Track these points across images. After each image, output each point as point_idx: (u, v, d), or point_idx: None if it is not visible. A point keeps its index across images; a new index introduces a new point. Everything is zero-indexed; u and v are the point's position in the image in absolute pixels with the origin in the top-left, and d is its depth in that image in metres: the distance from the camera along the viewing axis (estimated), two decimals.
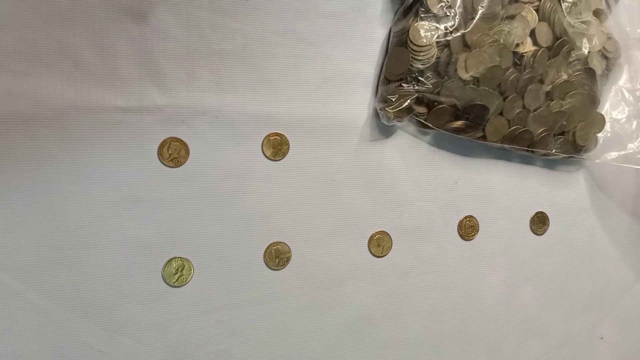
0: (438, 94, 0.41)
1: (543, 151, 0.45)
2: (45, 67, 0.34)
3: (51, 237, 0.34)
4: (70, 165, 0.35)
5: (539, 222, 0.48)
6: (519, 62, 0.43)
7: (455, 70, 0.41)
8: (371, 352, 0.43)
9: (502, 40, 0.42)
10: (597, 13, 0.46)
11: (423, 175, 0.44)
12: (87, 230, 0.35)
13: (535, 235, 0.48)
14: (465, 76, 0.41)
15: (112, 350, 0.36)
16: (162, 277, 0.37)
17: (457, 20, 0.40)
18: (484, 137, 0.43)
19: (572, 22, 0.44)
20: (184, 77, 0.37)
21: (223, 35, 0.38)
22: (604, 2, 0.46)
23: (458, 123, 0.42)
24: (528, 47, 0.43)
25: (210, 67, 0.38)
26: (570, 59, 0.45)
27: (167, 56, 0.36)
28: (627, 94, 0.49)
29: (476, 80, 0.41)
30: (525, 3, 0.42)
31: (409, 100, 0.40)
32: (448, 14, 0.40)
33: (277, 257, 0.40)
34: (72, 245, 0.35)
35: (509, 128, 0.43)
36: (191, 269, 0.38)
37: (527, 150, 0.45)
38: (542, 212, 0.48)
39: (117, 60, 0.35)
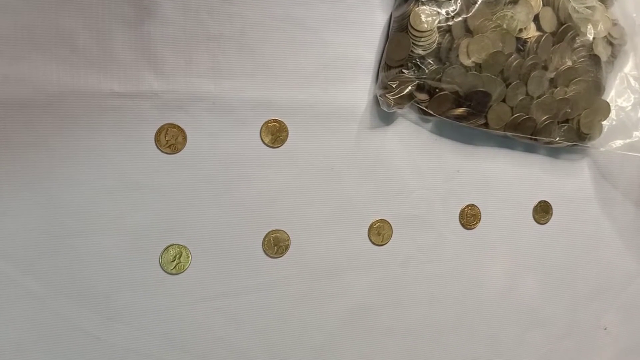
0: (439, 80, 0.40)
1: (546, 139, 0.45)
2: (41, 52, 0.34)
3: (47, 223, 0.34)
4: (66, 151, 0.34)
5: (542, 212, 0.47)
6: (522, 48, 0.42)
7: (457, 56, 0.40)
8: (370, 342, 0.43)
9: (505, 26, 0.41)
10: None
11: (424, 163, 0.43)
12: (83, 217, 0.35)
13: (538, 225, 0.48)
14: (467, 62, 0.40)
15: (108, 337, 0.36)
16: (160, 264, 0.37)
17: (459, 4, 0.39)
18: (486, 125, 0.43)
19: (576, 8, 0.43)
20: (181, 62, 0.37)
21: (221, 20, 0.37)
22: None
23: (460, 110, 0.41)
24: (532, 33, 0.42)
25: (208, 53, 0.37)
26: (575, 45, 0.44)
27: (164, 41, 0.36)
28: (633, 82, 0.48)
29: (478, 67, 0.41)
30: None
31: (409, 87, 0.40)
32: None
33: (275, 244, 0.39)
34: (69, 232, 0.35)
35: (512, 115, 0.43)
36: (189, 256, 0.37)
37: (530, 139, 0.44)
38: (545, 201, 0.47)
39: (113, 45, 0.35)
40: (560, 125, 0.45)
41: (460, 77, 0.40)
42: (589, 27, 0.44)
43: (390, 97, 0.39)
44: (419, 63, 0.40)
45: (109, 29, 0.35)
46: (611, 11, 0.46)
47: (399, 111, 0.41)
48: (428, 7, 0.39)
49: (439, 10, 0.39)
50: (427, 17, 0.39)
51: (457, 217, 0.45)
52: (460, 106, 0.41)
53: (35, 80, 0.33)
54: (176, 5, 0.36)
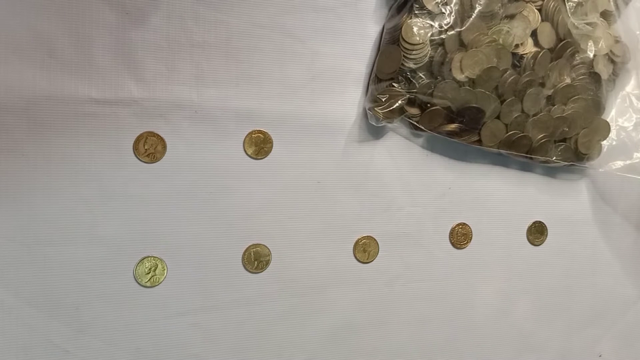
0: (431, 95, 0.39)
1: (543, 158, 0.43)
2: (17, 55, 0.33)
3: (18, 232, 0.33)
4: (41, 158, 0.33)
5: (537, 232, 0.46)
6: (518, 64, 0.41)
7: (450, 70, 0.39)
8: None
9: (500, 40, 0.39)
10: (605, 15, 0.44)
11: (414, 179, 0.42)
12: (56, 226, 0.34)
13: (532, 246, 0.46)
14: (460, 77, 0.39)
15: (78, 351, 0.35)
16: (134, 277, 0.36)
17: (452, 17, 0.38)
18: (479, 142, 0.41)
19: (576, 24, 0.41)
20: (163, 69, 0.36)
21: (206, 27, 0.36)
22: (612, 4, 0.43)
23: (452, 126, 0.40)
24: (529, 48, 0.41)
25: (192, 60, 0.36)
26: (574, 62, 0.42)
27: (146, 47, 0.35)
28: (635, 101, 0.46)
29: (472, 82, 0.39)
30: (527, 2, 0.40)
31: (399, 101, 0.38)
32: (443, 11, 0.38)
33: (256, 259, 0.38)
34: (40, 241, 0.34)
35: (507, 133, 0.41)
36: (164, 269, 0.36)
37: (526, 157, 0.43)
38: (540, 222, 0.46)
39: (93, 50, 0.34)
40: (557, 144, 0.43)
41: (452, 92, 0.39)
42: (589, 43, 0.42)
43: (380, 111, 0.38)
44: (409, 77, 0.38)
45: (89, 34, 0.34)
46: (614, 28, 0.44)
47: (390, 125, 0.40)
48: (421, 19, 0.38)
49: (432, 23, 0.38)
50: (420, 29, 0.38)
51: (447, 236, 0.43)
52: (453, 122, 0.40)
53: (10, 83, 0.33)
54: (160, 12, 0.35)
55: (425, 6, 0.38)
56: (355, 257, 0.41)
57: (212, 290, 0.37)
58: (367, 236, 0.41)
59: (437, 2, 0.38)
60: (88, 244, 0.35)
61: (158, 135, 0.36)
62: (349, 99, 0.40)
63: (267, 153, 0.38)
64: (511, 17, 0.40)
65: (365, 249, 0.41)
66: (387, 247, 0.41)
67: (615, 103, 0.46)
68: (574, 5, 0.41)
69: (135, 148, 0.35)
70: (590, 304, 0.48)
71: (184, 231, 0.37)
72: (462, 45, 0.39)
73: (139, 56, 0.35)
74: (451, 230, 0.43)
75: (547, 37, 0.41)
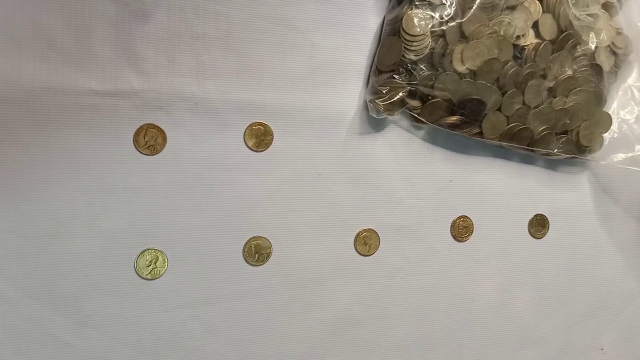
0: (432, 87, 0.39)
1: (544, 150, 0.43)
2: (17, 46, 0.33)
3: (18, 224, 0.33)
4: (41, 149, 0.33)
5: (538, 225, 0.46)
6: (519, 56, 0.41)
7: (451, 62, 0.39)
8: (353, 355, 0.41)
9: (501, 32, 0.39)
10: (607, 6, 0.43)
11: (415, 171, 0.42)
12: (56, 218, 0.34)
13: (534, 239, 0.46)
14: (461, 69, 0.39)
15: (78, 343, 0.35)
16: (135, 269, 0.36)
17: (453, 9, 0.38)
18: (480, 134, 0.41)
19: (578, 15, 0.41)
20: (163, 61, 0.35)
21: (206, 19, 0.36)
22: None
23: (453, 118, 0.40)
24: (530, 40, 0.41)
25: (192, 52, 0.36)
26: (576, 54, 0.42)
27: (146, 39, 0.35)
28: (637, 93, 0.46)
29: (472, 74, 0.39)
30: None
31: (400, 93, 0.38)
32: (444, 2, 0.38)
33: (257, 252, 0.38)
34: (40, 233, 0.34)
35: (508, 125, 0.41)
36: (165, 262, 0.36)
37: (527, 149, 0.43)
38: (541, 215, 0.46)
39: (93, 41, 0.34)
40: (558, 136, 0.43)
41: (453, 84, 0.39)
42: (591, 35, 0.42)
43: (380, 103, 0.38)
44: (410, 68, 0.38)
45: (88, 25, 0.34)
46: (615, 20, 0.44)
47: (391, 118, 0.40)
48: (421, 10, 0.38)
49: (432, 14, 0.38)
50: (420, 20, 0.38)
51: (449, 229, 0.43)
52: (454, 114, 0.40)
53: (9, 75, 0.32)
54: (160, 3, 0.35)
55: None
56: (356, 250, 0.41)
57: (212, 282, 0.37)
58: (368, 229, 0.41)
59: None
60: (88, 237, 0.35)
61: (158, 127, 0.36)
62: (350, 91, 0.40)
63: (267, 145, 0.38)
64: (512, 8, 0.40)
65: (366, 242, 0.41)
66: (387, 239, 0.41)
67: (617, 95, 0.46)
68: None
69: (136, 140, 0.35)
70: (592, 297, 0.48)
71: (184, 224, 0.36)
72: (463, 36, 0.39)
73: (139, 48, 0.35)
74: (452, 223, 0.43)
75: (548, 28, 0.41)
